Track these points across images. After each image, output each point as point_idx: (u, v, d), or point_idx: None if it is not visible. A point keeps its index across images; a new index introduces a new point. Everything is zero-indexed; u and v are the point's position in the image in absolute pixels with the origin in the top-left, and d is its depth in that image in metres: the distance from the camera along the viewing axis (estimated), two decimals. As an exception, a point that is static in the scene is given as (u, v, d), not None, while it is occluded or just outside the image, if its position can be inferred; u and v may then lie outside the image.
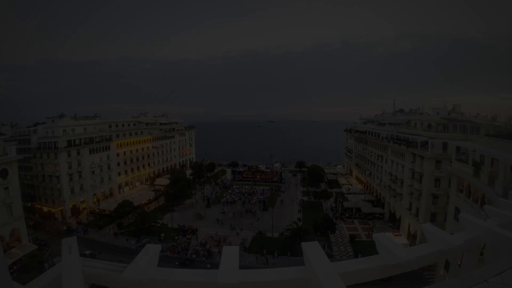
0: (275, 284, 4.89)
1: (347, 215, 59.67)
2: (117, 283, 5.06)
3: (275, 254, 43.40)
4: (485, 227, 6.47)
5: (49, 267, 33.24)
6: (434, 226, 6.57)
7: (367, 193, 71.24)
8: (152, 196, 71.82)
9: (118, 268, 5.14)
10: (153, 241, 45.85)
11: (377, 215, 58.88)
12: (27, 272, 35.23)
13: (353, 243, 46.80)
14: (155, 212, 63.08)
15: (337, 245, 46.92)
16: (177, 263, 41.70)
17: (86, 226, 55.91)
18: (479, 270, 4.62)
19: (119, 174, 76.49)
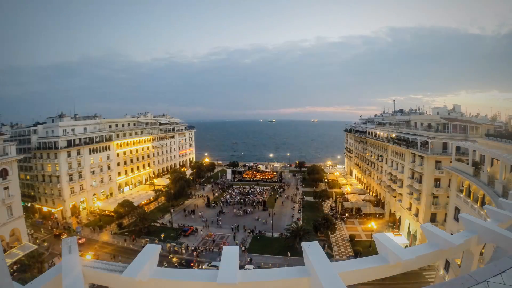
0: (275, 284, 4.89)
1: (347, 215, 59.68)
2: (117, 283, 5.07)
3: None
4: (485, 227, 6.47)
5: (49, 267, 33.25)
6: (434, 226, 6.57)
7: (367, 193, 71.27)
8: (152, 196, 71.84)
9: (118, 268, 5.14)
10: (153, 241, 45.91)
11: (377, 215, 58.90)
12: (27, 272, 35.25)
13: (353, 243, 46.79)
14: (155, 212, 63.18)
15: (337, 245, 46.92)
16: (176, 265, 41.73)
17: (92, 227, 55.91)
18: (479, 270, 4.62)
19: (119, 174, 76.48)
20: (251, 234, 50.97)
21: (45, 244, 48.37)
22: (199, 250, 44.91)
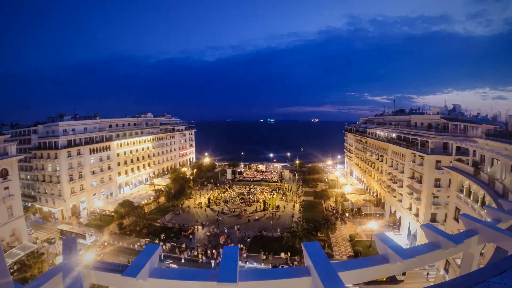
0: (275, 284, 4.89)
1: (347, 215, 59.67)
2: (117, 283, 5.07)
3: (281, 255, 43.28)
4: (486, 227, 6.47)
5: (49, 267, 33.24)
6: (434, 226, 6.57)
7: (367, 193, 71.24)
8: (152, 196, 71.84)
9: (118, 268, 5.15)
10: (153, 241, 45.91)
11: (377, 215, 58.89)
12: (27, 272, 35.24)
13: (353, 243, 46.79)
14: (155, 212, 63.19)
15: (337, 245, 46.90)
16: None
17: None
18: (479, 270, 4.62)
19: (119, 174, 76.50)
20: (251, 234, 50.95)
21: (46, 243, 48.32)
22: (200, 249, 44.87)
